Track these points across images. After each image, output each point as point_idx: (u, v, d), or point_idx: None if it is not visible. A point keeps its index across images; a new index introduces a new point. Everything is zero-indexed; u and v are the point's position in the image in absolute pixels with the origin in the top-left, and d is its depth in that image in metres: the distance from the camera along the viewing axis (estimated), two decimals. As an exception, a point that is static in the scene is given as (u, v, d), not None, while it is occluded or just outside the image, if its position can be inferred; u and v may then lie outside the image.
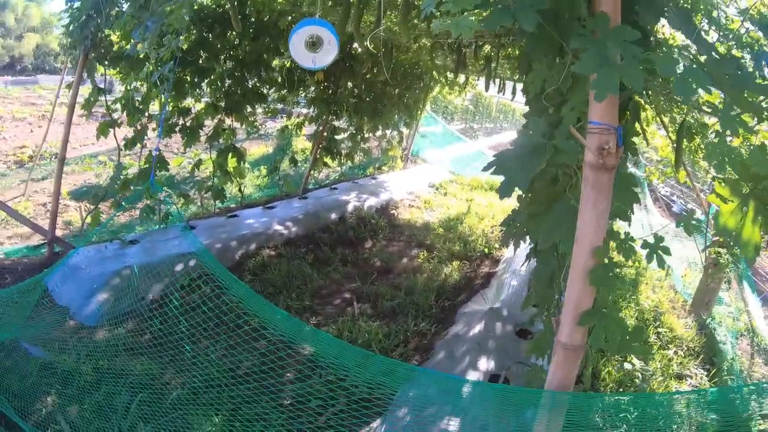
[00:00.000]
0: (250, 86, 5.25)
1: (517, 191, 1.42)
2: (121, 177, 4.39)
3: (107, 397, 2.92)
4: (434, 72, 7.54)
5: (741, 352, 4.34)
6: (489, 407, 1.68)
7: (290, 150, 7.81)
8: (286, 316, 2.02)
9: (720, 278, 4.41)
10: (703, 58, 1.66)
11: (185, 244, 4.61)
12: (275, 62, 5.62)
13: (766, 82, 2.80)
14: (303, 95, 6.29)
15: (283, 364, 2.66)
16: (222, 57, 4.90)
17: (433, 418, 2.03)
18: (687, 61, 1.83)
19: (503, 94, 8.54)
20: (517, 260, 4.78)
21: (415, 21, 3.87)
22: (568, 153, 1.26)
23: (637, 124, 2.00)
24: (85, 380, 3.04)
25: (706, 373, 3.96)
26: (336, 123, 6.79)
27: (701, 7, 2.53)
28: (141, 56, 3.56)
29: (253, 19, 4.85)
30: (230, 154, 5.18)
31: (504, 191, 1.29)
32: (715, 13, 2.61)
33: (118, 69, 4.36)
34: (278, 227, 5.32)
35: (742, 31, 2.61)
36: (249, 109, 5.36)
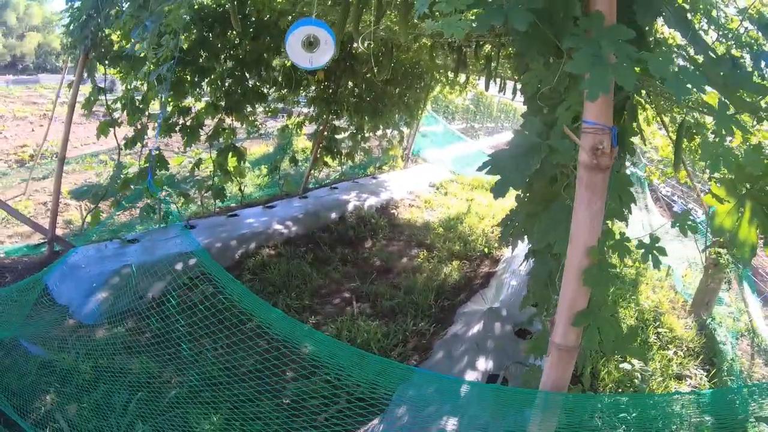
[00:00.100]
0: (251, 86, 5.25)
1: (516, 191, 1.41)
2: (121, 176, 4.39)
3: (106, 396, 2.93)
4: (435, 71, 7.53)
5: (741, 353, 4.33)
6: (483, 407, 1.67)
7: (291, 149, 7.81)
8: (281, 315, 2.02)
9: (720, 278, 4.40)
10: (700, 58, 1.65)
11: (185, 244, 4.62)
12: (275, 62, 5.62)
13: (764, 82, 2.79)
14: (303, 95, 6.28)
15: (277, 363, 2.67)
16: (222, 56, 4.91)
17: (428, 419, 2.03)
18: (683, 60, 1.83)
19: (504, 94, 8.54)
20: (516, 260, 4.78)
21: (415, 21, 3.87)
22: (563, 153, 1.26)
23: (634, 124, 2.00)
24: (83, 379, 3.05)
25: (705, 373, 3.95)
26: (336, 122, 6.79)
27: (700, 6, 2.52)
28: (141, 56, 3.56)
29: (253, 19, 4.85)
30: (230, 154, 5.18)
31: (498, 191, 1.29)
32: (714, 13, 2.60)
33: (118, 68, 4.37)
34: (278, 226, 5.32)
35: (741, 30, 2.60)
36: (249, 109, 5.37)
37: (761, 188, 1.53)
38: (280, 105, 6.35)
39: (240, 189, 5.72)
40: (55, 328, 3.62)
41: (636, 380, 3.67)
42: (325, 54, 1.65)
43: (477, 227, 6.43)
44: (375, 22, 3.36)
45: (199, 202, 5.55)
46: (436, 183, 8.39)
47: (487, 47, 5.56)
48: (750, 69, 2.63)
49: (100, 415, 2.81)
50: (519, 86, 5.80)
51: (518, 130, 1.41)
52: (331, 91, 6.16)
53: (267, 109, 5.86)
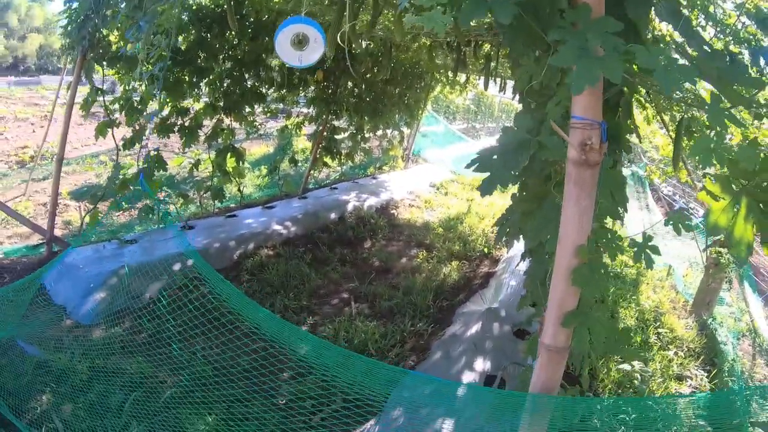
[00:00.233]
0: (249, 86, 5.25)
1: (503, 189, 1.39)
2: (120, 177, 4.39)
3: (101, 396, 2.93)
4: (435, 71, 7.52)
5: (742, 353, 4.29)
6: (476, 410, 1.64)
7: (290, 150, 7.81)
8: (268, 314, 2.00)
9: (721, 278, 4.36)
10: (696, 54, 1.63)
11: (178, 245, 4.62)
12: (274, 62, 5.62)
13: (763, 78, 2.75)
14: (302, 95, 6.28)
15: (265, 363, 2.66)
16: (221, 57, 4.91)
17: (420, 423, 2.00)
18: (679, 55, 1.80)
19: (504, 94, 8.51)
20: (516, 260, 4.75)
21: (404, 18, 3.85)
22: (552, 149, 1.24)
23: (629, 121, 1.97)
24: (79, 379, 3.05)
25: (706, 374, 3.91)
26: (336, 123, 6.78)
27: (698, 2, 2.49)
28: (137, 56, 3.57)
29: (252, 19, 4.85)
30: (229, 154, 5.18)
31: (485, 189, 1.26)
32: (711, 9, 2.57)
33: (116, 69, 4.37)
34: (277, 227, 5.31)
35: (739, 26, 2.57)
36: (248, 109, 5.37)
37: (757, 184, 1.50)
38: (280, 105, 6.35)
39: (239, 189, 5.72)
40: (52, 328, 3.62)
41: (636, 381, 3.64)
42: (314, 52, 1.64)
43: (477, 227, 6.40)
44: (371, 22, 3.35)
45: (198, 203, 5.54)
46: (437, 183, 8.37)
47: (487, 47, 5.54)
48: (748, 65, 2.60)
49: (96, 416, 2.81)
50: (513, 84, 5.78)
51: (507, 127, 1.39)
52: (330, 91, 6.15)
53: (266, 109, 5.85)
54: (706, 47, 1.57)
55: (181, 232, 4.88)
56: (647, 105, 4.20)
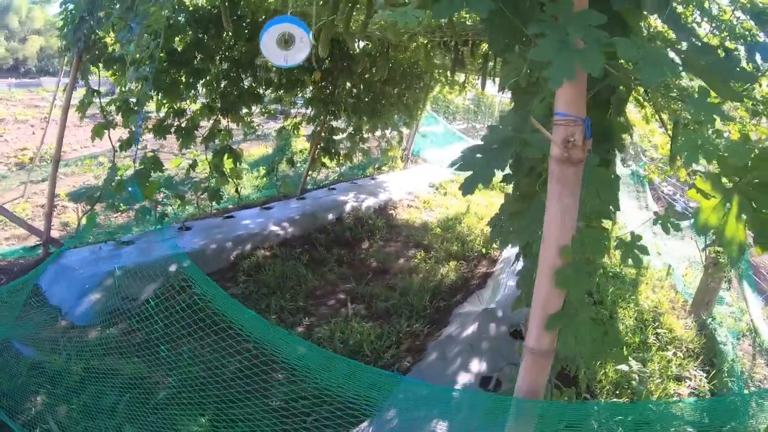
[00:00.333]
0: (246, 87, 5.24)
1: (485, 187, 1.36)
2: (116, 178, 4.38)
3: (95, 397, 2.92)
4: (434, 71, 7.50)
5: (742, 353, 4.25)
6: (460, 414, 1.62)
7: (289, 151, 7.80)
8: (253, 315, 1.99)
9: (720, 278, 4.33)
10: (688, 49, 1.60)
11: (179, 244, 4.62)
12: (271, 62, 5.61)
13: (759, 73, 2.71)
14: (300, 95, 6.27)
15: (249, 365, 2.66)
16: (217, 58, 4.90)
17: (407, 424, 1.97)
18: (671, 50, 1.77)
19: (503, 93, 8.48)
20: (514, 260, 4.73)
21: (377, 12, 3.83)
22: (535, 146, 1.22)
23: (621, 119, 1.95)
24: (74, 380, 3.05)
25: (705, 374, 3.88)
26: (335, 123, 6.77)
27: (692, -2, 2.47)
28: (127, 57, 3.56)
29: (248, 20, 4.84)
30: (226, 155, 5.18)
31: (467, 188, 1.24)
32: (706, 4, 2.55)
33: (112, 71, 4.37)
34: (274, 228, 5.31)
35: (734, 22, 2.55)
36: (245, 110, 5.36)
37: (749, 182, 1.47)
38: (278, 106, 6.34)
39: (236, 190, 5.71)
40: (47, 329, 3.62)
41: (633, 382, 3.61)
42: (300, 51, 1.63)
43: (475, 227, 6.38)
44: (365, 21, 3.34)
45: (196, 204, 5.54)
46: (436, 183, 8.34)
47: (484, 46, 5.51)
48: (744, 61, 2.57)
49: (90, 417, 2.81)
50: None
51: (493, 125, 1.37)
52: (328, 91, 6.14)
53: (263, 110, 5.85)
54: (696, 41, 1.54)
55: (177, 233, 4.88)
56: (646, 104, 4.17)
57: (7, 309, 3.27)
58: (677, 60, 1.18)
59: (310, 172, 6.84)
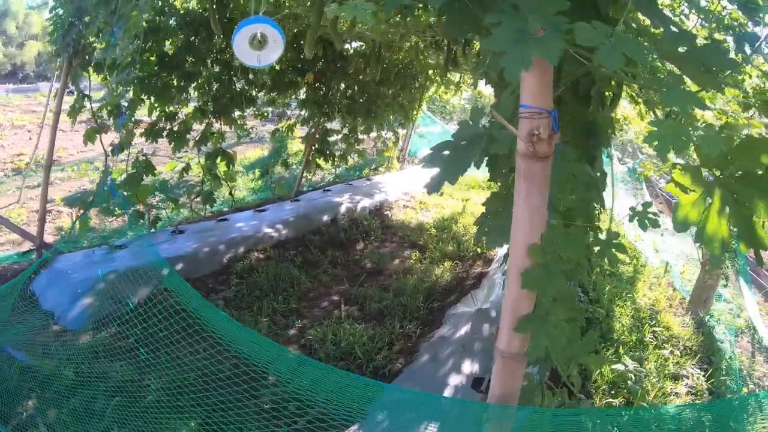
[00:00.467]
0: (239, 89, 5.23)
1: (451, 185, 1.33)
2: (108, 182, 4.37)
3: (85, 401, 2.91)
4: (430, 71, 7.46)
5: (741, 350, 4.21)
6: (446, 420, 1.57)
7: (285, 152, 7.79)
8: (225, 318, 1.96)
9: (717, 275, 4.29)
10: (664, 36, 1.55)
11: (172, 248, 4.61)
12: (264, 64, 5.59)
13: (747, 66, 2.66)
14: (294, 97, 6.26)
15: (222, 368, 2.63)
16: (209, 60, 4.88)
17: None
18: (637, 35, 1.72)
19: (499, 93, 8.44)
20: (502, 260, 4.70)
21: (397, 18, 3.82)
22: (502, 142, 1.19)
23: (602, 110, 1.91)
24: (65, 384, 3.04)
25: (703, 373, 3.84)
26: (330, 125, 6.75)
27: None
28: (114, 60, 3.55)
29: (238, 23, 4.82)
30: (219, 158, 5.16)
31: (432, 186, 1.21)
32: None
33: (103, 75, 4.36)
34: (268, 230, 5.29)
35: (723, 12, 2.51)
36: (238, 113, 5.35)
37: (731, 174, 1.41)
38: (271, 108, 6.33)
39: (230, 193, 5.70)
40: (40, 334, 3.62)
41: (629, 381, 3.57)
42: (273, 51, 1.60)
43: (471, 227, 6.34)
44: (352, 21, 3.32)
45: (190, 207, 5.52)
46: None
47: (477, 45, 5.49)
48: (733, 52, 2.53)
49: (80, 421, 2.80)
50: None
51: (463, 120, 1.34)
52: (322, 93, 6.12)
53: (257, 112, 5.83)
54: (673, 27, 1.49)
55: (170, 237, 4.86)
56: (640, 100, 4.14)
57: (-3, 314, 3.26)
58: (641, 44, 1.12)
59: (305, 174, 6.82)
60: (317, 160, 6.52)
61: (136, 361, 3.08)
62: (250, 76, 5.32)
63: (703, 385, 3.70)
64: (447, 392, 3.08)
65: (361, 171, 8.75)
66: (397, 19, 3.54)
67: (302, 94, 6.21)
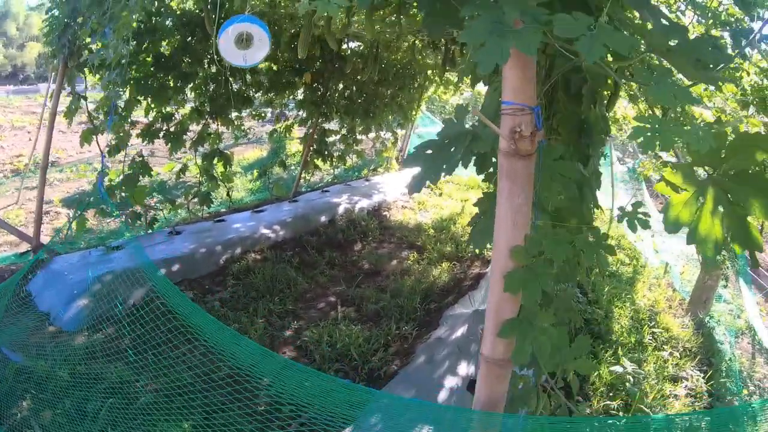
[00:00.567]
0: (235, 90, 5.21)
1: (433, 185, 1.30)
2: (104, 184, 4.36)
3: (80, 402, 2.90)
4: (428, 71, 7.43)
5: (741, 352, 4.17)
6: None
7: (283, 153, 7.77)
8: (212, 320, 1.94)
9: (717, 275, 4.24)
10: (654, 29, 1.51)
11: (169, 249, 4.60)
12: (262, 65, 5.59)
13: (744, 62, 2.62)
14: (291, 98, 6.24)
15: (207, 371, 2.61)
16: (205, 61, 4.87)
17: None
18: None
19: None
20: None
21: (393, 18, 3.79)
22: (486, 140, 1.16)
23: (595, 109, 1.88)
24: (60, 385, 3.03)
25: (702, 374, 3.80)
26: (329, 125, 6.73)
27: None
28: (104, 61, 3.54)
29: (234, 23, 4.81)
30: (216, 159, 5.15)
31: (413, 186, 1.18)
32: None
33: (98, 77, 4.35)
34: (265, 231, 5.27)
35: (719, 8, 2.48)
36: (235, 113, 5.34)
37: (724, 172, 1.36)
38: (269, 109, 6.31)
39: (228, 194, 5.68)
40: (36, 335, 3.61)
41: (627, 383, 3.54)
42: (259, 50, 1.59)
43: (469, 228, 6.31)
44: (345, 21, 3.30)
45: (187, 208, 5.51)
46: (431, 184, 8.27)
47: (475, 44, 5.46)
48: (730, 48, 2.50)
49: (74, 422, 2.79)
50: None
51: (447, 119, 1.31)
52: (319, 93, 6.10)
53: (254, 113, 5.82)
54: (664, 21, 1.46)
55: (167, 238, 4.85)
56: (641, 99, 4.10)
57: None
58: (625, 36, 1.08)
59: (303, 175, 6.80)
60: (315, 160, 6.50)
61: (127, 363, 3.07)
62: (247, 77, 5.31)
63: (702, 387, 3.67)
64: (442, 394, 3.05)
65: (359, 171, 8.73)
66: (393, 18, 3.52)
67: (300, 94, 6.19)
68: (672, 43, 1.34)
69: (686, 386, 3.69)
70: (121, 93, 4.03)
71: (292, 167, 7.43)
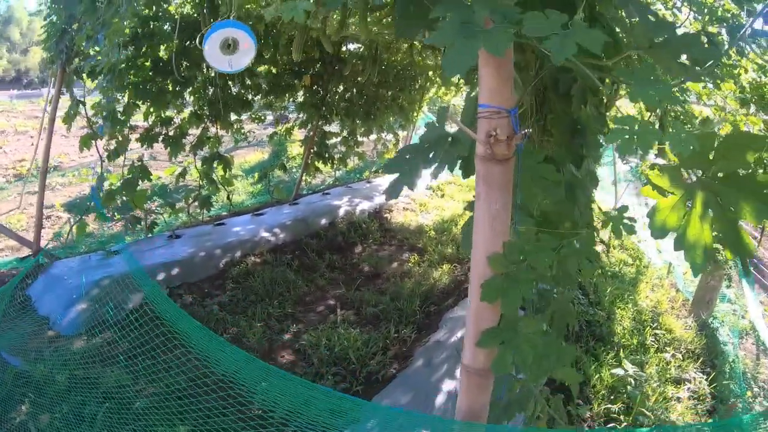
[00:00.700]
0: (234, 93, 5.22)
1: (411, 189, 1.27)
2: (104, 188, 4.39)
3: (77, 407, 2.91)
4: (430, 72, 7.41)
5: (745, 353, 4.10)
6: None
7: (285, 156, 7.78)
8: (198, 326, 1.93)
9: (720, 275, 4.18)
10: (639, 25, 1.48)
11: (168, 253, 4.60)
12: (261, 68, 5.59)
13: (741, 59, 2.57)
14: (291, 101, 6.24)
15: (192, 377, 2.60)
16: (204, 65, 4.88)
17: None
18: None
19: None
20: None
21: (389, 19, 3.78)
22: (464, 144, 1.13)
23: (586, 109, 1.85)
24: (58, 390, 3.04)
25: (705, 376, 3.75)
26: (330, 127, 6.72)
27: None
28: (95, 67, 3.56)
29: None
30: (215, 162, 5.16)
31: (390, 191, 1.15)
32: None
33: (95, 82, 4.37)
34: (265, 234, 5.26)
35: (716, 4, 2.44)
36: (234, 117, 5.34)
37: (713, 175, 1.32)
38: (269, 112, 6.32)
39: (228, 197, 5.69)
40: (35, 339, 3.63)
41: (629, 386, 3.49)
42: (245, 56, 1.58)
43: (472, 229, 6.28)
44: (341, 23, 3.29)
45: (187, 212, 5.52)
46: (433, 185, 8.25)
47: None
48: (727, 45, 2.45)
49: (71, 426, 2.79)
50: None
51: (430, 122, 1.29)
52: (319, 95, 6.10)
53: (254, 116, 5.82)
54: (651, 17, 1.42)
55: (167, 242, 4.86)
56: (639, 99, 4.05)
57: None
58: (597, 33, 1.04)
59: (304, 177, 6.79)
60: (316, 163, 6.49)
61: (122, 368, 3.07)
62: (246, 80, 5.32)
63: (705, 389, 3.61)
64: (440, 398, 3.03)
65: (361, 173, 8.71)
66: (389, 20, 3.50)
67: (300, 97, 6.19)
68: (658, 39, 1.31)
69: (689, 389, 3.64)
70: (120, 98, 4.04)
71: (294, 170, 7.42)
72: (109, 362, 3.20)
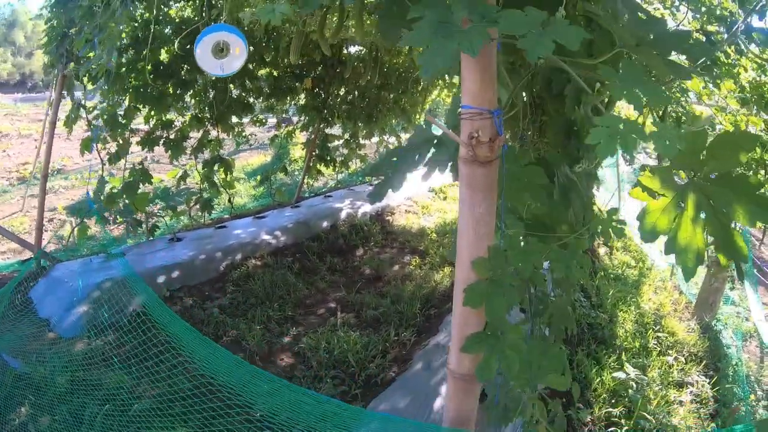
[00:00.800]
0: (235, 96, 5.24)
1: (395, 192, 1.26)
2: (105, 191, 4.41)
3: (77, 409, 2.92)
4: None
5: (749, 356, 4.05)
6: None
7: (287, 159, 7.79)
8: (189, 329, 1.93)
9: (723, 277, 4.14)
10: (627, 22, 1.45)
11: (169, 255, 4.61)
12: (262, 71, 5.61)
13: (741, 58, 2.53)
14: (293, 104, 6.25)
15: (183, 378, 2.59)
16: (205, 68, 4.90)
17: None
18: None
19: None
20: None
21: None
22: (448, 146, 1.12)
23: (579, 109, 1.83)
24: (58, 392, 3.05)
25: (708, 380, 3.70)
26: (333, 130, 6.73)
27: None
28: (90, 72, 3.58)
29: (234, 30, 4.83)
30: (217, 165, 5.17)
31: (374, 194, 1.14)
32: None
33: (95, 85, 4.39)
34: (266, 237, 5.26)
35: (715, 2, 2.42)
36: (235, 120, 5.35)
37: (706, 176, 1.28)
38: (270, 115, 6.34)
39: (229, 200, 5.70)
40: (36, 341, 3.64)
41: (631, 390, 3.46)
42: (236, 59, 1.57)
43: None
44: (338, 25, 3.29)
45: (189, 215, 5.54)
46: (436, 188, 8.23)
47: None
48: (725, 43, 2.42)
49: (70, 427, 2.80)
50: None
51: (419, 125, 1.28)
52: (321, 98, 6.11)
53: (255, 119, 5.84)
54: (641, 13, 1.40)
55: (168, 245, 4.87)
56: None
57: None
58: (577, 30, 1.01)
59: (306, 180, 6.80)
60: (318, 166, 6.50)
61: (120, 370, 3.08)
62: (247, 83, 5.33)
63: (708, 392, 3.57)
64: (438, 402, 3.01)
65: (363, 176, 8.71)
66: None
67: (301, 99, 6.20)
68: (648, 38, 1.29)
69: (691, 392, 3.60)
70: (120, 101, 4.06)
71: (296, 173, 7.43)
72: (108, 364, 3.21)
